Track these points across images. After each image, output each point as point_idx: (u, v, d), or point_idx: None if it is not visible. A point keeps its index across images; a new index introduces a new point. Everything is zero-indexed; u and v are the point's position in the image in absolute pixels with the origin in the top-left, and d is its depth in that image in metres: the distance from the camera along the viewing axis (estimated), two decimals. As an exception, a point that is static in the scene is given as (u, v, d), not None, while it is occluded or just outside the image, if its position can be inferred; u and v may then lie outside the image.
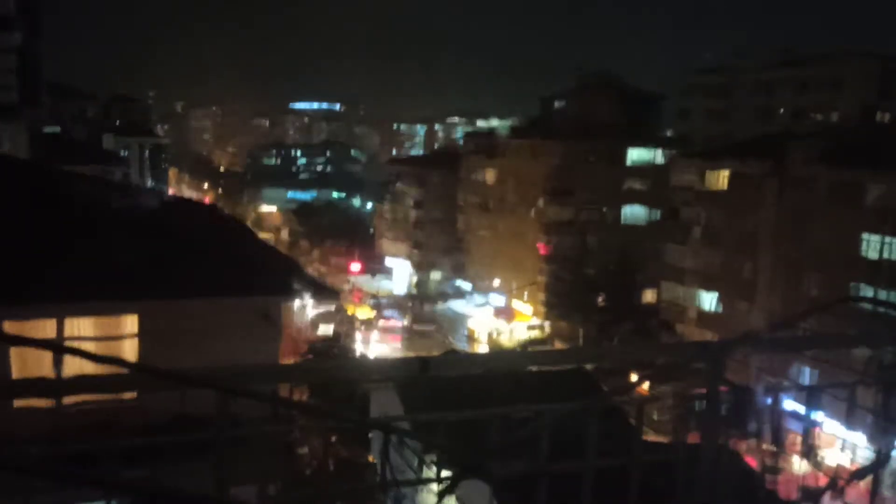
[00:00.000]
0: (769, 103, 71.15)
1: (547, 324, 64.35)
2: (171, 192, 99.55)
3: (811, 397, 3.48)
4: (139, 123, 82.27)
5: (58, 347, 1.94)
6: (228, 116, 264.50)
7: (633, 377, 39.87)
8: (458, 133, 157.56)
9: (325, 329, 54.12)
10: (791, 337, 3.10)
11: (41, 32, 22.87)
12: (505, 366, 3.12)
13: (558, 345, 59.09)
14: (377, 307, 72.01)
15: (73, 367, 2.31)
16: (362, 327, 64.12)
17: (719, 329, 47.74)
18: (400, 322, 68.20)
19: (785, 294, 44.61)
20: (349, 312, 66.03)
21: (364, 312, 68.61)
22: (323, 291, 14.03)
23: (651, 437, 23.49)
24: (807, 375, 36.53)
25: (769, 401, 3.27)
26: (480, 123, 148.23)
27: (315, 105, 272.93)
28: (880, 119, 62.92)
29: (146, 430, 4.45)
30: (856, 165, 40.97)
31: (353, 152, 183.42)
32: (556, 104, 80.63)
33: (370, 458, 24.29)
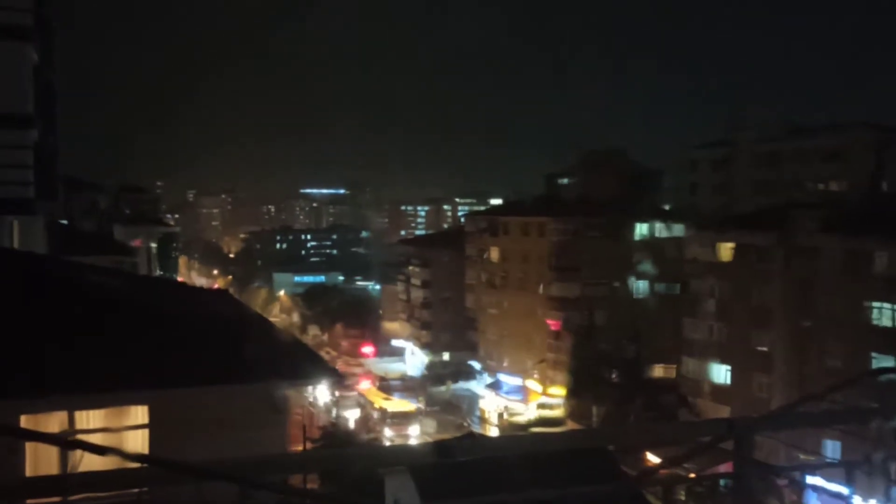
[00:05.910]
0: (770, 175, 71.72)
1: (561, 402, 63.32)
2: (181, 279, 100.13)
3: (842, 473, 3.37)
4: (148, 213, 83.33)
5: (78, 445, 1.90)
6: (237, 203, 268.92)
7: (650, 456, 38.90)
8: (465, 212, 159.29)
9: (334, 414, 53.46)
10: (818, 412, 3.03)
11: (56, 128, 23.53)
12: (524, 448, 3.04)
13: (573, 424, 58.00)
14: (386, 389, 71.06)
15: (82, 461, 2.26)
16: (376, 412, 63.14)
17: (735, 403, 46.85)
18: (413, 404, 67.23)
19: (803, 366, 43.93)
20: (370, 400, 65.11)
21: (374, 396, 67.66)
22: (332, 375, 13.89)
23: (673, 518, 22.78)
24: (831, 449, 35.62)
25: (798, 479, 3.17)
26: (492, 202, 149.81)
27: (323, 190, 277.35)
28: (883, 188, 63.33)
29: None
30: (865, 234, 40.99)
31: (360, 234, 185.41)
32: (561, 181, 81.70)
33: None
